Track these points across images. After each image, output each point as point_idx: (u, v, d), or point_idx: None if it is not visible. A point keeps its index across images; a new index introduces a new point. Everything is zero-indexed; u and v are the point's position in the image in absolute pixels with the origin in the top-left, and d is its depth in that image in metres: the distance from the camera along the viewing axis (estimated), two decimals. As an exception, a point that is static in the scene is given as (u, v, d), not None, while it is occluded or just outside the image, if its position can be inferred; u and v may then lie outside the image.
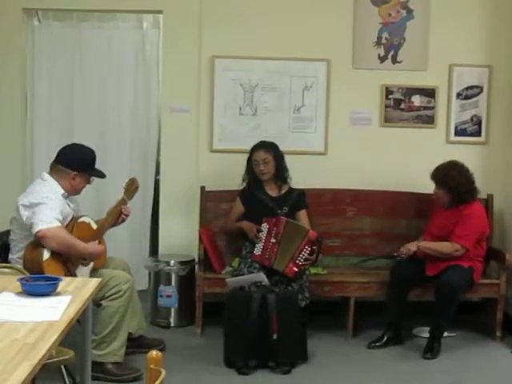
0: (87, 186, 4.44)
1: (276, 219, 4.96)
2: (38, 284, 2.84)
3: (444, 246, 4.95)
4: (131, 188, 4.58)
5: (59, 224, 4.03)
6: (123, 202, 4.53)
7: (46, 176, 4.25)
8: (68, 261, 4.10)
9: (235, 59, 5.60)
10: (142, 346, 4.55)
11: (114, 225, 4.54)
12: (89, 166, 4.37)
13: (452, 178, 4.94)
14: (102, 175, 4.46)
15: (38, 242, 4.00)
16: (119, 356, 4.30)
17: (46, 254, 3.98)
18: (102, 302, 4.25)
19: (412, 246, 4.95)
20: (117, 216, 4.49)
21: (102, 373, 4.20)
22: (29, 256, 4.01)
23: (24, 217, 4.04)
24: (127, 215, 4.55)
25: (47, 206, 4.02)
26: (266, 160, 5.12)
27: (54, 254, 4.01)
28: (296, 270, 4.82)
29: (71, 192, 4.32)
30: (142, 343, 4.64)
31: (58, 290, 2.83)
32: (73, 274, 4.09)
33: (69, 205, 4.28)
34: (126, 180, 4.60)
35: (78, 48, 5.97)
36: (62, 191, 4.22)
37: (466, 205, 4.96)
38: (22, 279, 2.87)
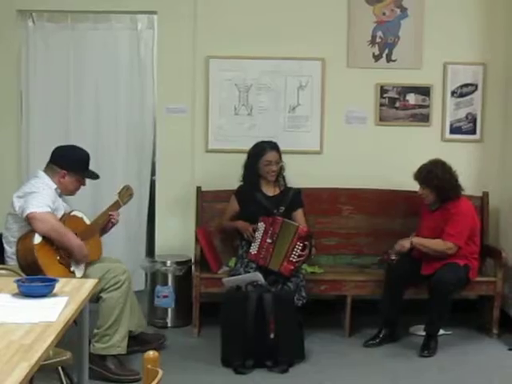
0: (82, 186, 4.47)
1: (273, 219, 4.95)
2: (34, 285, 2.84)
3: (436, 244, 4.94)
4: (126, 194, 4.66)
5: (50, 210, 4.08)
6: (117, 204, 4.59)
7: (41, 173, 4.32)
8: (60, 248, 4.11)
9: (230, 59, 5.60)
10: (143, 342, 4.58)
11: (105, 230, 4.58)
12: (80, 167, 4.41)
13: (435, 175, 4.94)
14: (94, 176, 4.50)
15: (29, 231, 4.04)
16: (122, 348, 4.32)
17: (38, 238, 4.01)
18: (102, 295, 4.26)
19: (406, 243, 4.96)
20: (107, 218, 4.53)
21: (103, 369, 4.24)
22: (21, 245, 4.04)
23: (17, 207, 4.10)
24: (116, 220, 4.58)
25: (39, 194, 4.10)
26: (278, 161, 5.13)
27: (46, 240, 4.04)
28: (291, 267, 4.82)
29: (63, 191, 4.36)
30: (143, 340, 4.66)
31: (55, 291, 2.83)
32: (67, 263, 4.11)
33: (62, 204, 4.32)
34: (120, 187, 4.68)
35: (73, 49, 5.96)
36: (55, 186, 4.28)
37: (453, 203, 4.96)
38: (18, 280, 2.87)
